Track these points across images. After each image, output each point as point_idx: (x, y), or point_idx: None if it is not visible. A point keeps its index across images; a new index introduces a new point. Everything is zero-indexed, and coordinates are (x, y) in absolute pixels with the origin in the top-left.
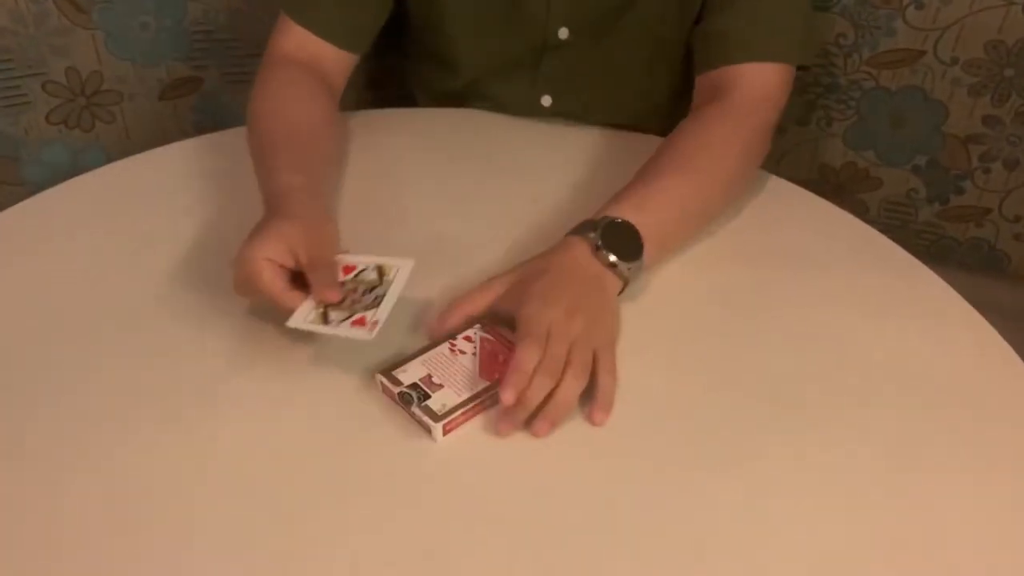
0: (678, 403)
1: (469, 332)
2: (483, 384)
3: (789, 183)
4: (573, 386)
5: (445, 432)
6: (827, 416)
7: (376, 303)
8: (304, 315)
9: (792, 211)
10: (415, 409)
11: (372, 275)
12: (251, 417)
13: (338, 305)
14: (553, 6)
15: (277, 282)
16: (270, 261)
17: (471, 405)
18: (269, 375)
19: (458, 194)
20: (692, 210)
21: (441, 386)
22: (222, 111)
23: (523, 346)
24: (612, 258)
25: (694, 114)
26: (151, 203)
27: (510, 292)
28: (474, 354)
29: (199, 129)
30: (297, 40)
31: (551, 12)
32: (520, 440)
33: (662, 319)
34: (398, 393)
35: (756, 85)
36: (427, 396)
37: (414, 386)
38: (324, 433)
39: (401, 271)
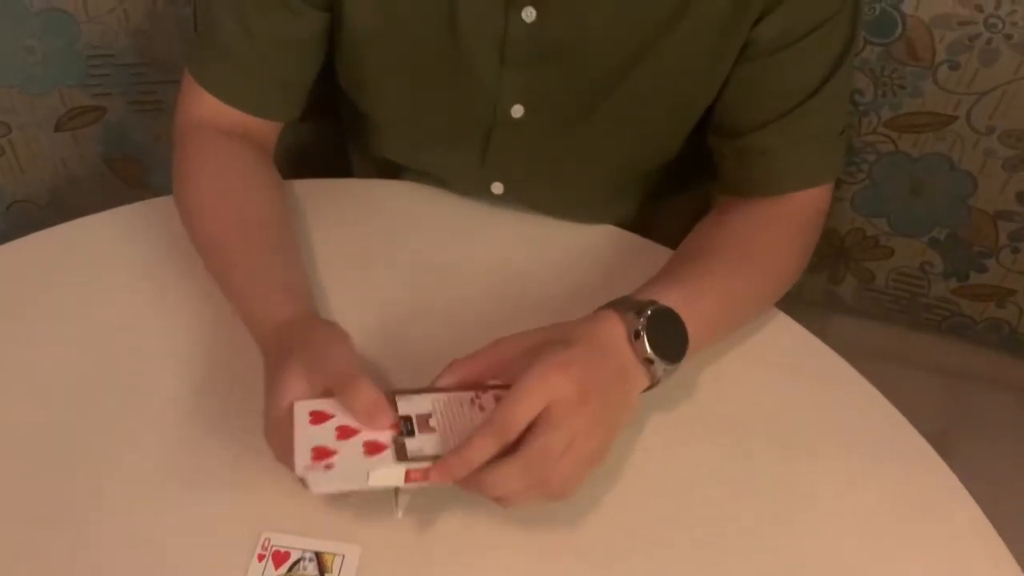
0: None
1: (503, 393)
2: None
3: (794, 323)
4: (566, 485)
5: (407, 479)
6: None
7: None
8: None
9: (791, 360)
10: None
11: (311, 569)
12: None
13: None
14: (506, 77)
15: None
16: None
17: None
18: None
19: (384, 300)
20: (737, 316)
21: (433, 430)
22: (131, 144)
23: (504, 410)
24: (651, 353)
25: (744, 208)
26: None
27: (522, 357)
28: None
29: (107, 161)
30: (213, 106)
31: (503, 84)
32: None
33: (602, 522)
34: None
35: (812, 201)
36: (411, 433)
37: (407, 419)
38: None
39: (347, 562)
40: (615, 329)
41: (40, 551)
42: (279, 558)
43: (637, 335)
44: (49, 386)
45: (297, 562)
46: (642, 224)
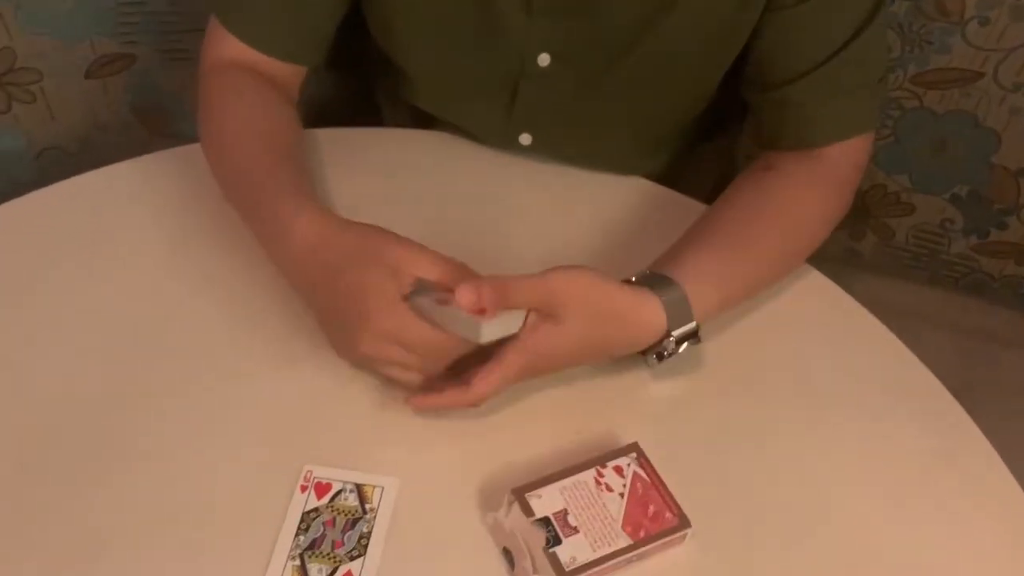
0: None
1: (621, 461)
2: (623, 541)
3: (822, 276)
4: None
5: None
6: None
7: (363, 547)
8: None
9: (817, 314)
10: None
11: (352, 500)
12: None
13: (316, 550)
14: (534, 26)
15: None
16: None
17: (603, 566)
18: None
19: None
20: (768, 281)
21: (576, 530)
22: (159, 91)
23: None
24: (673, 346)
25: (781, 169)
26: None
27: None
28: (622, 495)
29: (135, 110)
30: (238, 50)
31: (530, 33)
32: None
33: None
34: (531, 522)
35: (848, 156)
36: (558, 541)
37: (546, 521)
38: None
39: (386, 493)
40: (656, 325)
41: (86, 488)
42: (321, 489)
43: (669, 336)
44: (82, 330)
45: (339, 493)
46: (669, 175)
